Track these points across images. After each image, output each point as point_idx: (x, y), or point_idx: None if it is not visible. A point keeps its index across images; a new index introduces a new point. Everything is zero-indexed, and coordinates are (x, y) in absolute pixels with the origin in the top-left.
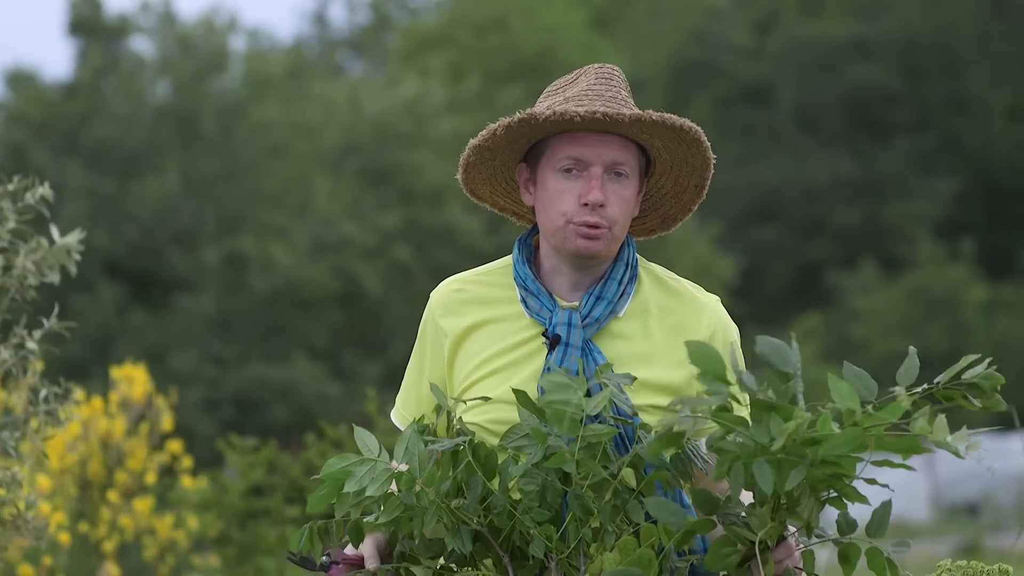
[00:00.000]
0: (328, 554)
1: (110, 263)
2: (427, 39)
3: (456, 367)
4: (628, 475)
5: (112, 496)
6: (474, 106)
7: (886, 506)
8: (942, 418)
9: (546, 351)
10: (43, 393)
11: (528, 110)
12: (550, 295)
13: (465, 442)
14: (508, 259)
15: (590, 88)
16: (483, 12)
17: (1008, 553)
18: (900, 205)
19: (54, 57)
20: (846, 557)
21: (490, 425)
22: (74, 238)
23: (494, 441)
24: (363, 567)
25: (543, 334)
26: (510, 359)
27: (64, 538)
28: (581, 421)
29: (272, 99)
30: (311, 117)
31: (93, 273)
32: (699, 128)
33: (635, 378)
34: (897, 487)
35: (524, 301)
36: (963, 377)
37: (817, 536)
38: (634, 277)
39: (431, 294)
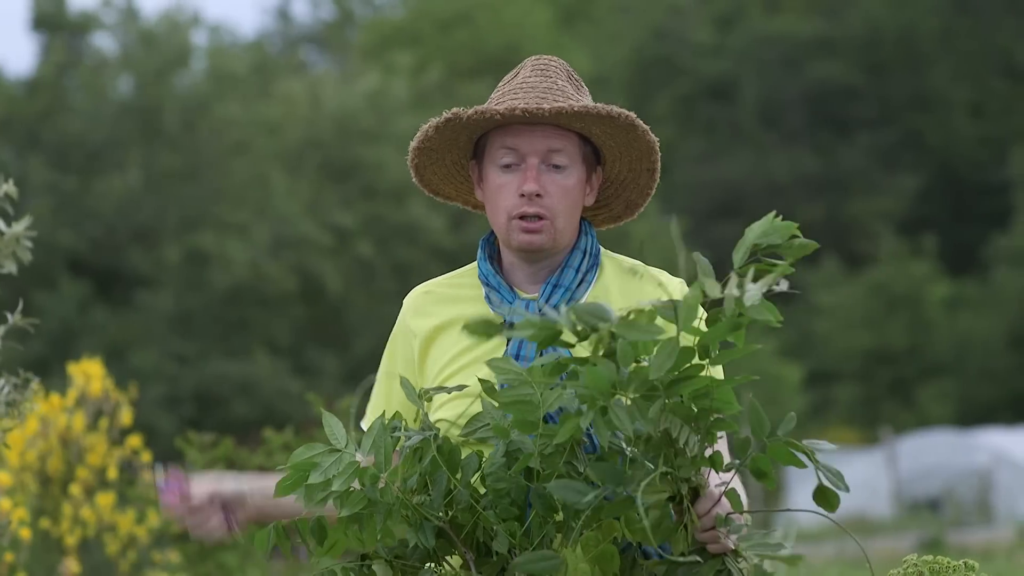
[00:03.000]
0: (168, 473)
1: (72, 260)
2: (391, 35)
3: (427, 367)
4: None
5: (75, 490)
6: (436, 101)
7: (754, 407)
8: (749, 285)
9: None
10: (1, 383)
11: (456, 109)
12: (511, 288)
13: (430, 436)
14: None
15: (525, 81)
16: (448, 8)
17: (970, 549)
18: (862, 201)
19: (17, 53)
20: (760, 472)
21: (461, 420)
22: (22, 226)
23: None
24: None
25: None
26: (476, 355)
27: (25, 534)
28: (540, 421)
29: (234, 95)
30: (272, 113)
31: (55, 270)
32: (631, 113)
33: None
34: (859, 483)
35: (488, 297)
36: (757, 244)
37: (726, 469)
38: (595, 266)
39: (404, 300)
